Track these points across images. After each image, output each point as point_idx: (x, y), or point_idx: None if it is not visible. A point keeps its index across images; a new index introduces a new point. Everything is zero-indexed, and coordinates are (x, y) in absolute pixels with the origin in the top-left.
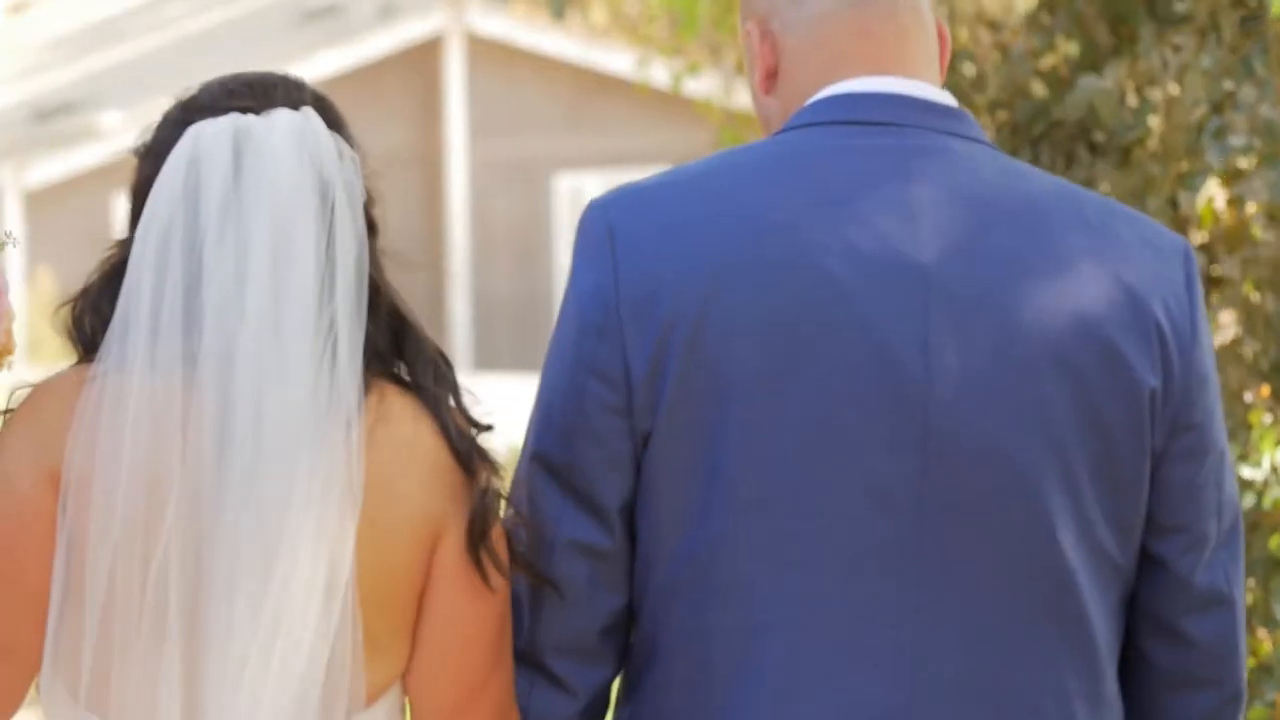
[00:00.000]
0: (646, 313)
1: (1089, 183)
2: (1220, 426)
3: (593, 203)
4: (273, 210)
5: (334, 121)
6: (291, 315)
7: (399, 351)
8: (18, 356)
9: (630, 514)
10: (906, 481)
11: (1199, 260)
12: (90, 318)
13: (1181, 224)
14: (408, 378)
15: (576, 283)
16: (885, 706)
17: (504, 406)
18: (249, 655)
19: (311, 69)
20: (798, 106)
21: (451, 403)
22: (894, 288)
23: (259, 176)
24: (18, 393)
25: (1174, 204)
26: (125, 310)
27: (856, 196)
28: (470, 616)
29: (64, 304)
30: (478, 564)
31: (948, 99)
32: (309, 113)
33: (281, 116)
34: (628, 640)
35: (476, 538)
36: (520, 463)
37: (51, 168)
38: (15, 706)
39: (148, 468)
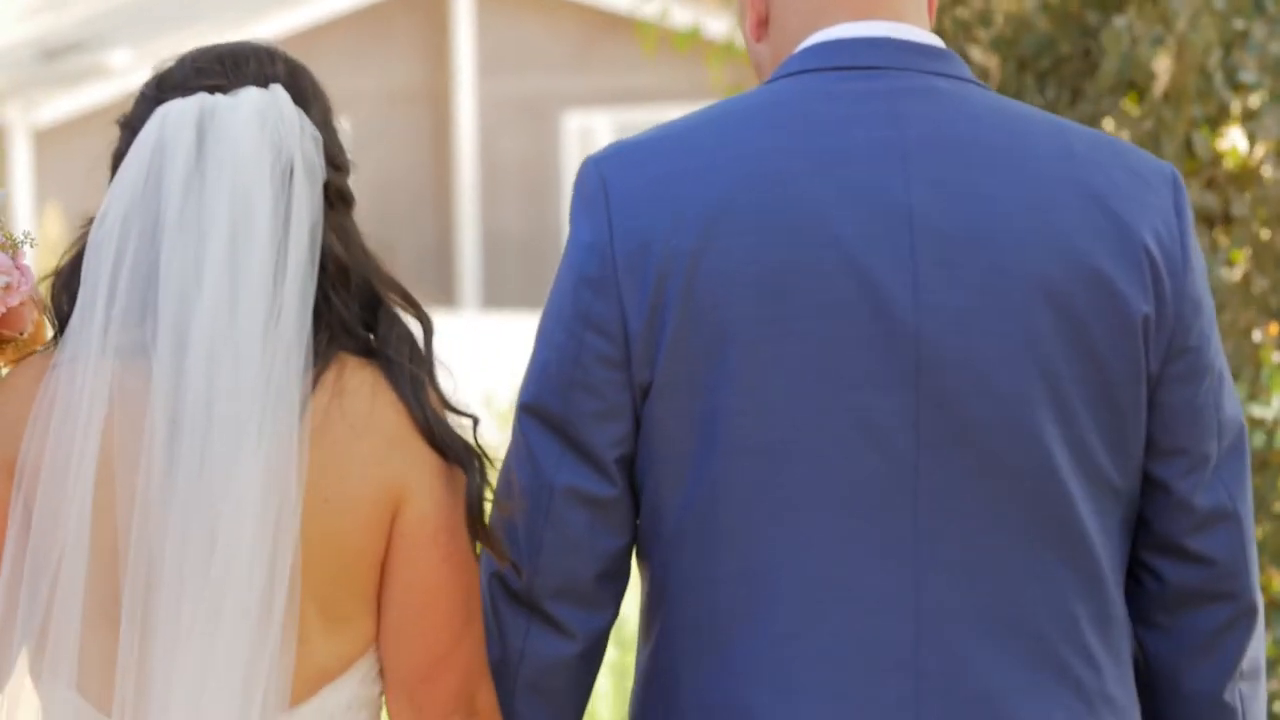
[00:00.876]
0: (641, 265)
1: (1094, 118)
2: (1217, 349)
3: (588, 159)
4: (232, 193)
5: (304, 94)
6: (246, 298)
7: (371, 329)
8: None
9: (629, 463)
10: (901, 419)
11: (1215, 200)
12: (64, 297)
13: (1199, 167)
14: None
15: (574, 238)
16: (892, 640)
17: (512, 344)
18: (194, 640)
19: (320, 7)
20: (788, 53)
21: (429, 387)
22: (883, 229)
23: (220, 159)
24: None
25: (1189, 146)
26: (83, 299)
27: (845, 141)
28: (433, 583)
29: (44, 277)
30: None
31: (935, 40)
32: (276, 90)
33: (248, 96)
34: (626, 584)
35: (474, 528)
36: (516, 415)
37: (60, 106)
38: None
39: (99, 457)
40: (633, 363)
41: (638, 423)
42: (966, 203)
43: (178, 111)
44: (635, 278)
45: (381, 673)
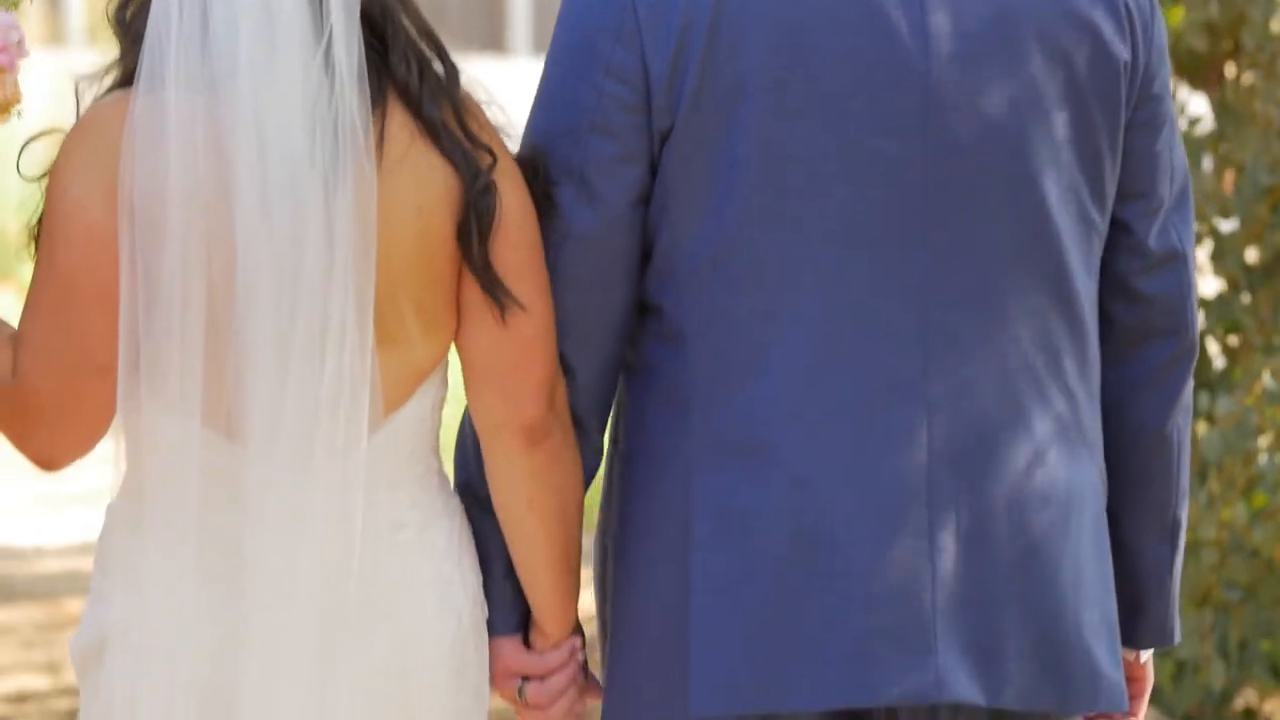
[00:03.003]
0: (662, 18)
1: None
2: (1171, 100)
3: None
4: None
5: None
6: (283, 30)
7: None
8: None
9: (642, 210)
10: (910, 162)
11: None
12: (132, 8)
13: None
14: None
15: None
16: (902, 378)
17: None
18: (283, 353)
19: None
20: None
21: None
22: None
23: None
24: (85, 82)
25: None
26: (152, 33)
27: None
28: (509, 270)
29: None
30: (480, 266)
31: None
32: None
33: None
34: (629, 332)
35: (465, 240)
36: (527, 156)
37: None
38: (110, 420)
39: (189, 184)
40: (653, 110)
41: (653, 170)
42: None
43: None
44: (658, 26)
45: (445, 380)
